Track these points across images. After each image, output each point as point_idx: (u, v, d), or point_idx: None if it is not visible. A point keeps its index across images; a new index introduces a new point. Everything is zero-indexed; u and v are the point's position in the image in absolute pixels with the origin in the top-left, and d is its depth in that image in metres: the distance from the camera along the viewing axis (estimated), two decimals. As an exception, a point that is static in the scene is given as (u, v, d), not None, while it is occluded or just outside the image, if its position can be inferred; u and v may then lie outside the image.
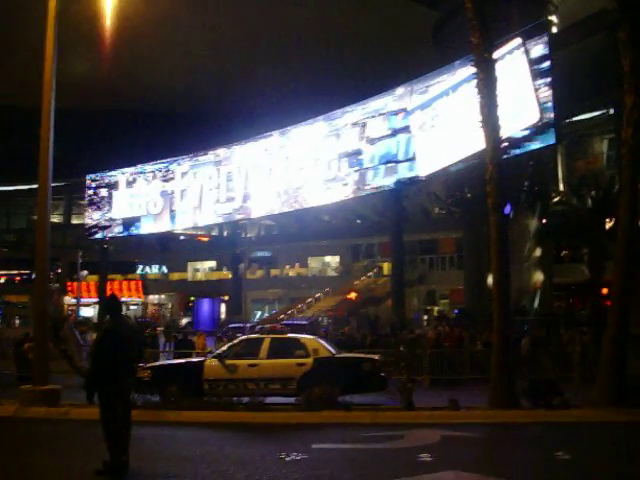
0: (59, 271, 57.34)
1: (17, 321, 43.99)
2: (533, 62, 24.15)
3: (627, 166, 13.45)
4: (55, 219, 53.99)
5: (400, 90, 29.87)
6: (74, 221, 57.94)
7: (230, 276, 52.80)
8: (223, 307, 53.89)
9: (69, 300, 56.61)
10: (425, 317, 43.59)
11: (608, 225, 26.22)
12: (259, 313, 52.85)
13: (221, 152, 37.81)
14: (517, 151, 24.58)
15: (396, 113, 29.64)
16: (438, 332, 22.98)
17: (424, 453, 9.14)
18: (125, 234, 42.86)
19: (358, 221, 51.95)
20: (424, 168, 28.62)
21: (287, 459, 8.95)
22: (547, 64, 23.95)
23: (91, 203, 43.45)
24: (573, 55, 29.31)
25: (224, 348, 15.40)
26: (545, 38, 24.48)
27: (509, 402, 13.20)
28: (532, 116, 24.06)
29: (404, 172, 29.39)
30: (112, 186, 42.32)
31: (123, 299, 51.65)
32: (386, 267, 47.48)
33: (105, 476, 7.95)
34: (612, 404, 12.70)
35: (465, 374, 18.96)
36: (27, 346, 19.35)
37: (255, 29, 42.38)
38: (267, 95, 45.13)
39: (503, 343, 13.76)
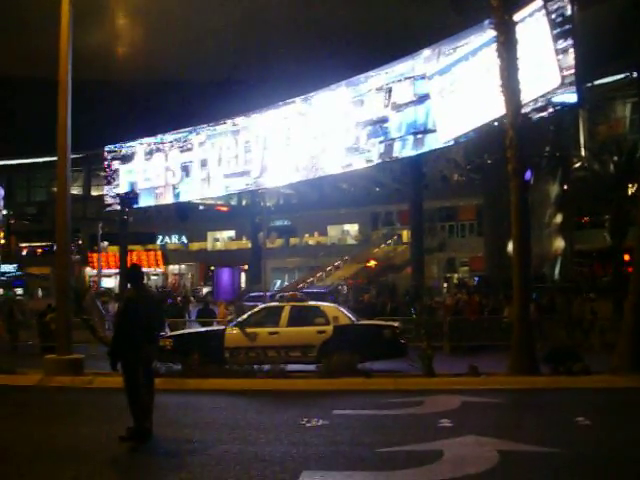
0: (80, 242, 57.86)
1: (40, 293, 44.47)
2: (554, 25, 23.65)
3: (651, 130, 13.22)
4: (75, 191, 54.26)
5: (427, 52, 28.54)
6: (94, 192, 58.25)
7: (249, 245, 52.94)
8: (243, 276, 54.18)
9: (90, 271, 57.23)
10: (445, 285, 43.56)
11: (630, 190, 25.88)
12: (279, 282, 53.07)
13: (239, 121, 37.51)
14: (538, 115, 24.17)
15: (422, 77, 28.34)
16: (457, 300, 23.00)
17: (444, 419, 9.18)
18: (143, 206, 43.12)
19: (377, 189, 51.69)
20: (444, 135, 28.25)
21: (308, 425, 9.03)
22: (569, 26, 23.45)
23: (107, 175, 43.63)
24: (595, 17, 28.66)
25: (245, 316, 15.51)
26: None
27: (529, 368, 13.19)
28: (553, 80, 23.66)
29: (433, 143, 28.54)
30: (128, 158, 42.33)
31: (144, 270, 52.00)
32: (405, 235, 47.40)
33: (130, 442, 8.08)
34: (633, 371, 12.65)
35: (485, 341, 18.98)
36: (49, 317, 19.60)
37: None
38: (288, 63, 44.59)
39: (523, 309, 13.73)
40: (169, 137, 40.66)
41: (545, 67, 23.38)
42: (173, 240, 62.20)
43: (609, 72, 34.49)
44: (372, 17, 41.33)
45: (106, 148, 43.32)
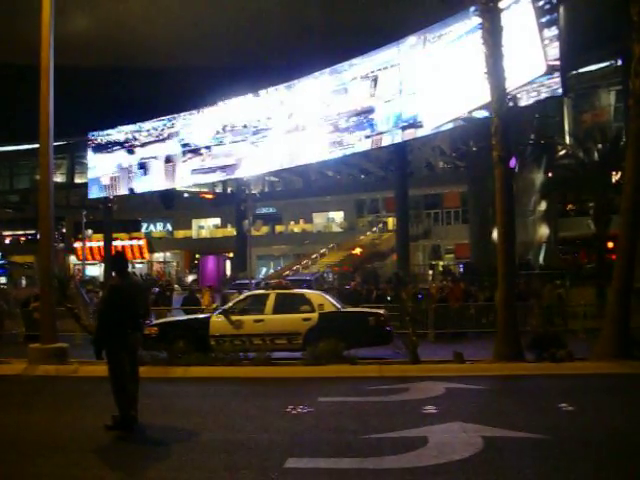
0: (64, 230, 57.49)
1: (23, 281, 44.22)
2: (540, 12, 23.70)
3: (635, 117, 13.25)
4: (58, 179, 53.91)
5: (412, 39, 28.33)
6: (77, 180, 57.83)
7: (235, 233, 52.88)
8: (228, 264, 54.14)
9: (74, 260, 56.89)
10: (430, 272, 43.75)
11: (614, 178, 26.02)
12: (264, 269, 53.07)
13: (217, 109, 37.23)
14: (523, 103, 24.24)
15: (408, 65, 28.22)
16: (441, 287, 23.06)
17: (429, 405, 9.23)
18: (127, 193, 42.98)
19: (362, 176, 51.73)
20: (429, 122, 28.26)
21: (293, 412, 9.04)
22: (554, 15, 23.50)
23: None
24: (580, 5, 28.72)
25: (230, 304, 15.49)
26: (552, -14, 23.99)
27: (514, 355, 13.28)
28: (538, 68, 23.72)
29: (419, 132, 28.31)
30: (107, 146, 42.10)
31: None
32: (391, 222, 47.49)
33: (115, 430, 8.07)
34: (616, 357, 12.77)
35: (470, 328, 19.08)
36: (33, 306, 19.46)
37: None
38: (273, 51, 44.31)
39: (508, 296, 13.80)
40: (147, 125, 40.51)
41: (531, 54, 23.44)
42: (158, 228, 62.00)
43: (594, 60, 34.63)
44: (357, 5, 41.17)
45: (90, 134, 43.06)
